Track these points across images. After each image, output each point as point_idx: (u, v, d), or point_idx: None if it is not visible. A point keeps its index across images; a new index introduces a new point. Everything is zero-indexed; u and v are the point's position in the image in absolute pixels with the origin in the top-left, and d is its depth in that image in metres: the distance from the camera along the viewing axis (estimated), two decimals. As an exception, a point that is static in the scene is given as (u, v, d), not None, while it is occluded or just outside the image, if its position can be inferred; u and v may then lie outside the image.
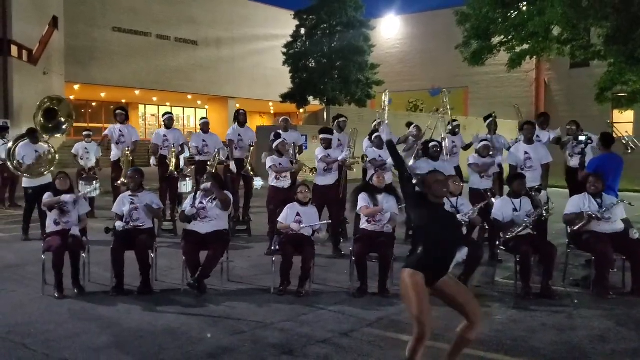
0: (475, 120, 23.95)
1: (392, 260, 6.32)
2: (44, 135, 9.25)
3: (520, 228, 6.33)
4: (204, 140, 10.09)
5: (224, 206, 6.44)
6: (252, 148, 10.07)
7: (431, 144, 8.22)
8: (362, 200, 6.66)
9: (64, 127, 9.36)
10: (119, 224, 6.37)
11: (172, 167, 9.78)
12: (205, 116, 11.34)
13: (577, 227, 6.47)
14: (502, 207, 6.63)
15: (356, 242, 6.50)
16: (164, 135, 10.15)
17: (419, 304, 3.80)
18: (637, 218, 9.77)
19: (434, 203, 4.06)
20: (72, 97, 30.85)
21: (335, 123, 9.54)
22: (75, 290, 6.10)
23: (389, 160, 7.94)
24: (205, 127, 10.30)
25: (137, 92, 31.55)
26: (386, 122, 8.71)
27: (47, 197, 6.49)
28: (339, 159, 8.40)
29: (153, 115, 36.56)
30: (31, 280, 6.57)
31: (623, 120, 24.83)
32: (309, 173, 8.64)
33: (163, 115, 10.77)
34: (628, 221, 6.59)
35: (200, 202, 6.45)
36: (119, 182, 9.60)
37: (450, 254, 4.01)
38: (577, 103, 26.73)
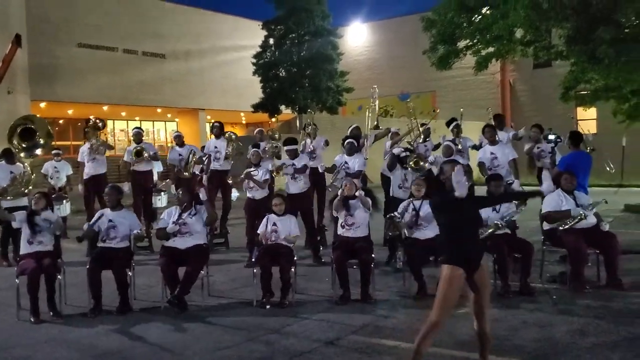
0: (444, 123, 24.23)
1: (372, 266, 6.36)
2: (21, 155, 9.04)
3: (490, 230, 6.39)
4: (180, 155, 10.03)
5: (209, 223, 6.44)
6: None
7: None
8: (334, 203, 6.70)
9: (41, 146, 9.14)
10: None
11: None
12: (176, 129, 11.30)
13: (568, 225, 6.47)
14: None
15: (335, 250, 6.51)
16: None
17: (447, 293, 3.92)
18: (606, 212, 9.99)
19: (453, 195, 4.07)
20: (38, 116, 30.19)
21: (305, 132, 9.62)
22: (51, 314, 5.97)
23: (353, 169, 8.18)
24: (179, 140, 10.24)
25: (105, 107, 31.07)
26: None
27: (21, 215, 6.37)
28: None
29: (122, 131, 36.03)
30: (5, 306, 6.40)
31: (586, 117, 25.41)
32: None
33: (132, 130, 10.69)
34: (598, 214, 6.72)
35: (181, 218, 6.39)
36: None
37: (476, 243, 4.10)
38: (542, 102, 27.27)
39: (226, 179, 9.83)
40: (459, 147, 8.95)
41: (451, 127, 9.28)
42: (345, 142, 8.62)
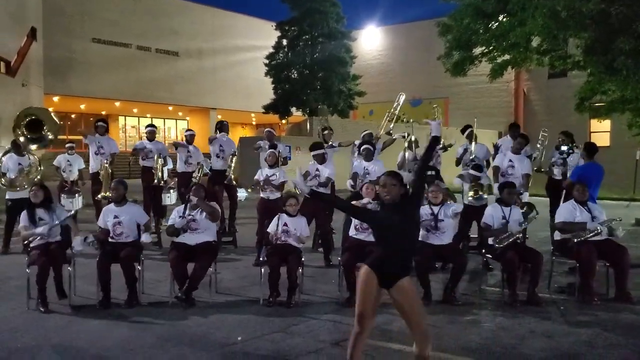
0: (456, 131, 24.17)
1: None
2: (30, 147, 9.08)
3: (512, 238, 6.39)
4: (188, 151, 10.07)
5: (212, 218, 6.45)
6: (234, 158, 10.02)
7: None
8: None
9: (49, 138, 9.17)
10: (77, 242, 6.17)
11: (157, 177, 9.71)
12: (191, 128, 11.31)
13: (582, 239, 6.40)
14: (492, 213, 6.69)
15: (345, 252, 6.49)
16: (147, 147, 10.09)
17: (363, 300, 3.91)
18: (617, 225, 9.89)
19: (387, 204, 4.04)
20: (51, 109, 30.41)
21: (321, 136, 9.63)
22: (58, 298, 6.01)
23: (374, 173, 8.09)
24: (191, 139, 10.30)
25: (117, 103, 31.32)
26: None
27: (23, 220, 6.36)
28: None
29: (133, 127, 36.31)
30: (15, 295, 6.46)
31: (600, 130, 25.28)
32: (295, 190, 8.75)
33: (145, 128, 10.72)
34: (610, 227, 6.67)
35: (190, 215, 6.42)
36: (100, 195, 9.49)
37: (401, 256, 3.99)
38: (556, 112, 27.14)
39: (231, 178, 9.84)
40: (473, 154, 8.90)
41: (466, 134, 9.23)
42: (362, 148, 8.60)
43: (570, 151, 8.55)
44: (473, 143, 8.97)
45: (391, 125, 9.69)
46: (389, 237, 3.96)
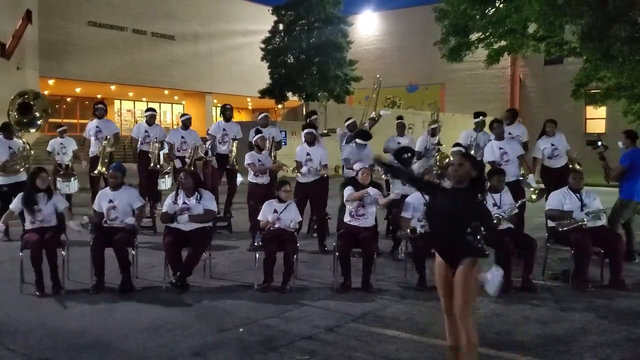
0: (452, 117, 24.15)
1: (375, 256, 6.36)
2: (17, 130, 9.01)
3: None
4: (182, 137, 10.00)
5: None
6: (235, 143, 9.96)
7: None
8: (349, 190, 6.69)
9: (38, 122, 9.12)
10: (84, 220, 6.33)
11: (154, 162, 9.68)
12: (186, 112, 11.25)
13: (565, 228, 6.44)
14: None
15: (339, 238, 6.50)
16: (145, 131, 10.03)
17: (440, 291, 3.92)
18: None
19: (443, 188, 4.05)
20: (46, 92, 30.19)
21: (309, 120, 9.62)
22: (53, 290, 5.97)
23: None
24: (189, 122, 10.25)
25: (112, 87, 31.07)
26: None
27: (16, 201, 6.32)
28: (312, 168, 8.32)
29: (129, 111, 36.07)
30: (9, 279, 6.43)
31: (596, 117, 25.30)
32: (291, 172, 8.68)
33: (145, 112, 10.65)
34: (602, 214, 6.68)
35: (184, 203, 6.39)
36: (96, 171, 9.47)
37: (453, 239, 3.88)
38: (551, 99, 27.15)
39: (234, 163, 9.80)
40: (479, 142, 8.85)
41: (476, 121, 9.12)
42: (355, 141, 8.52)
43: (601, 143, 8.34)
44: (479, 131, 8.92)
45: (372, 113, 9.57)
46: (440, 221, 3.95)
